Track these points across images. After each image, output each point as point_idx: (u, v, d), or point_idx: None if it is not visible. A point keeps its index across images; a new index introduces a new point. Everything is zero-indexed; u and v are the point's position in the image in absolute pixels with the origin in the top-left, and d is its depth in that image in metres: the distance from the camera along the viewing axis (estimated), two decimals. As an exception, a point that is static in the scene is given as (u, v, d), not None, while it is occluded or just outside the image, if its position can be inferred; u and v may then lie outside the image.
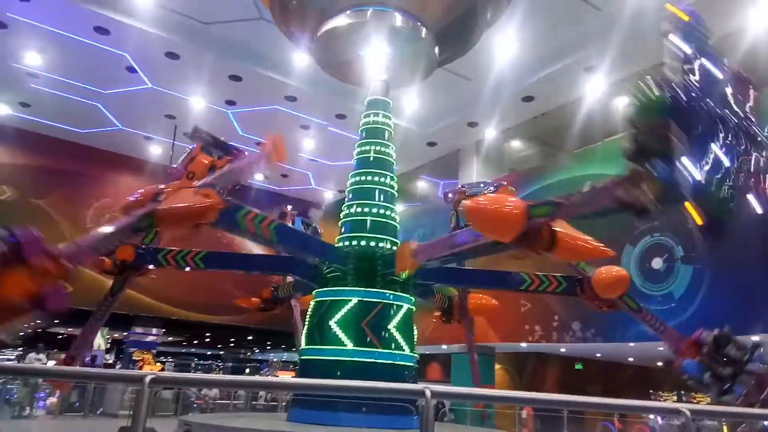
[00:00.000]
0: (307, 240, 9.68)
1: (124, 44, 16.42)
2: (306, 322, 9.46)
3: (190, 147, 9.75)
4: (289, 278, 11.48)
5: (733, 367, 7.31)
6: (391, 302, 8.90)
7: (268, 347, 35.16)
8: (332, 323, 8.82)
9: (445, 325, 11.30)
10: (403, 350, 8.81)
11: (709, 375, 7.61)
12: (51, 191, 22.33)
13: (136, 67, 17.62)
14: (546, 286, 8.70)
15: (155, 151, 23.50)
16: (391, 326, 8.79)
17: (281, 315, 12.45)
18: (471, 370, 11.46)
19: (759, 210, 5.34)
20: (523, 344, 18.19)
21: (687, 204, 4.81)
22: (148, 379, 3.01)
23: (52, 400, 15.35)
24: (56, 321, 27.30)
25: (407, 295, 9.20)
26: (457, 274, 10.18)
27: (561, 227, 6.12)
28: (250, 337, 32.25)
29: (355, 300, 8.86)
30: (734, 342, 7.58)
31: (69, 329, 30.03)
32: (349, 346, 8.60)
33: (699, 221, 4.82)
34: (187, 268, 9.30)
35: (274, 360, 36.23)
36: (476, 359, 11.72)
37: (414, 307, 9.40)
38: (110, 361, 27.04)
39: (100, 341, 25.11)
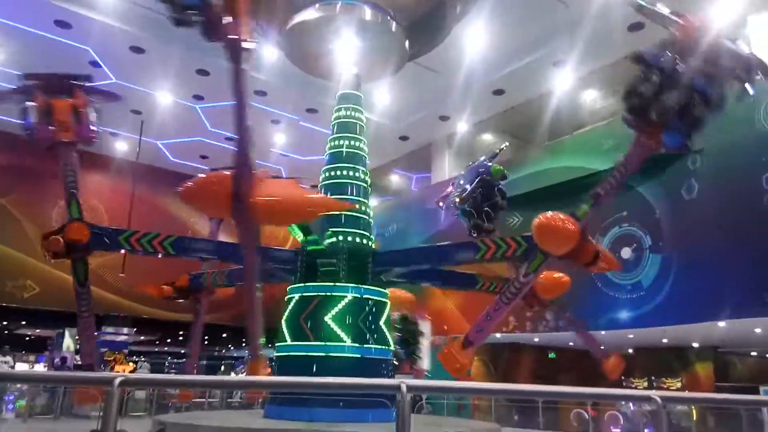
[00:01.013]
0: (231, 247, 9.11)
1: (87, 38, 15.99)
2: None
3: None
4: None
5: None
6: (328, 294, 8.89)
7: (243, 344, 34.86)
8: (283, 321, 8.98)
9: (531, 308, 10.56)
10: (345, 342, 8.66)
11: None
12: (12, 189, 21.72)
13: (99, 62, 17.19)
14: (504, 250, 7.94)
15: (121, 147, 23.01)
16: (328, 318, 8.72)
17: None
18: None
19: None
20: (498, 335, 18.39)
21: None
22: (117, 381, 2.95)
23: (21, 402, 14.98)
24: (23, 323, 26.64)
25: (353, 285, 9.08)
26: (408, 255, 10.30)
27: (280, 190, 6.30)
28: (224, 335, 31.92)
29: (296, 296, 8.99)
30: None
31: (36, 331, 29.31)
32: (288, 341, 8.76)
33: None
34: (159, 255, 8.67)
35: (249, 357, 35.96)
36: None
37: (379, 297, 9.31)
38: (80, 363, 26.47)
39: (69, 342, 24.56)
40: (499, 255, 8.02)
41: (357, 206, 8.04)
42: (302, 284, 9.14)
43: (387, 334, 9.33)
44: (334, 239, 9.42)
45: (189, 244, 9.18)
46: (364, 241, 9.75)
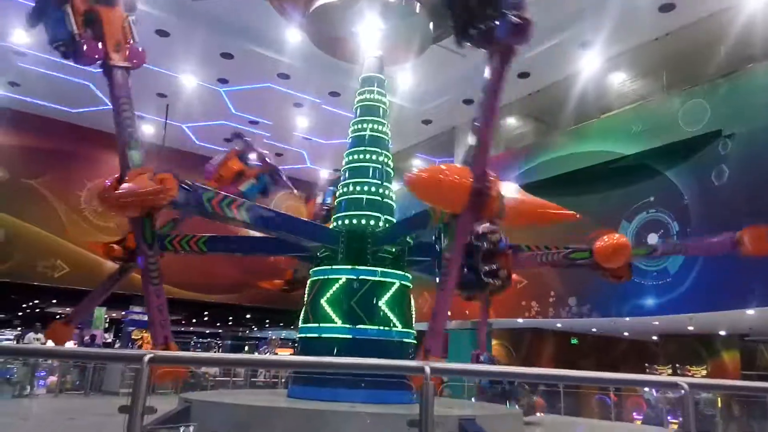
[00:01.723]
0: (287, 221, 9.20)
1: (114, 22, 16.14)
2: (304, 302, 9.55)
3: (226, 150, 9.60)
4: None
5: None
6: (380, 279, 8.97)
7: (267, 325, 35.40)
8: (323, 301, 8.96)
9: (467, 301, 10.57)
10: (396, 326, 8.88)
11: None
12: (44, 171, 22.16)
13: (126, 45, 17.36)
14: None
15: (147, 130, 23.25)
16: (381, 303, 8.85)
17: (282, 294, 12.40)
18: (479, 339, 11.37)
19: None
20: (520, 320, 18.35)
21: None
22: (146, 358, 3.03)
23: (53, 379, 15.44)
24: (54, 301, 27.38)
25: (400, 272, 9.24)
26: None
27: (513, 193, 6.13)
28: (248, 316, 32.43)
29: (343, 278, 8.98)
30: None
31: (67, 309, 30.10)
32: (339, 323, 8.74)
33: None
34: (191, 252, 9.10)
35: (273, 337, 36.47)
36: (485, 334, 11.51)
37: (410, 284, 9.47)
38: (109, 341, 27.14)
39: (98, 321, 25.20)
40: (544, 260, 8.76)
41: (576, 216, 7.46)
42: (348, 266, 9.12)
43: (413, 317, 9.42)
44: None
45: (219, 242, 9.20)
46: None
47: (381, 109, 10.59)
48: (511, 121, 22.31)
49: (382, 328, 8.73)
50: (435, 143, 23.45)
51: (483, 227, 8.16)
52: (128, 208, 6.47)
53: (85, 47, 6.21)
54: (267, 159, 10.25)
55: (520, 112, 21.57)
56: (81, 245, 21.63)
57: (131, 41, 6.56)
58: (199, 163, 25.40)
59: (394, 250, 9.37)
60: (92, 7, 6.17)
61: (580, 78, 17.81)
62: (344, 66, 13.98)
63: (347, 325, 8.70)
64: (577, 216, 7.05)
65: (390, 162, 10.39)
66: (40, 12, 6.37)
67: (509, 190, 6.26)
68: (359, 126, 10.47)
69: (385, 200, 9.95)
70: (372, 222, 9.59)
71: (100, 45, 6.25)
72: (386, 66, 11.19)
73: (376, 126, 10.41)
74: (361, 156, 10.18)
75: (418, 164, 26.29)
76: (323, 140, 23.55)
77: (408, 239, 9.44)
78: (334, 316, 8.85)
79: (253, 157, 10.32)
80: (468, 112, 21.09)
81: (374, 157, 10.16)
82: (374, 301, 8.86)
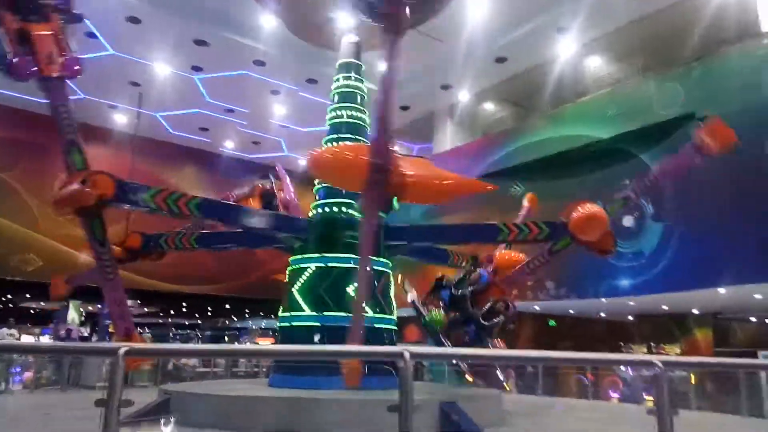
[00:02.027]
0: (243, 212, 9.11)
1: (82, 8, 15.67)
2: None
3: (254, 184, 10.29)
4: None
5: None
6: (349, 266, 8.93)
7: (246, 315, 35.23)
8: (294, 290, 8.96)
9: None
10: (366, 312, 8.81)
11: None
12: (15, 164, 21.64)
13: (96, 33, 16.94)
14: (526, 234, 8.14)
15: (120, 119, 22.86)
16: (350, 290, 8.80)
17: (260, 283, 12.47)
18: None
19: None
20: (499, 304, 18.51)
21: None
22: (122, 351, 2.98)
23: (28, 374, 15.17)
24: (27, 296, 26.86)
25: (379, 259, 9.21)
26: (427, 232, 10.13)
27: (419, 169, 6.06)
28: (227, 306, 32.22)
29: (312, 267, 8.98)
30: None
31: (41, 304, 29.58)
32: (306, 311, 8.74)
33: None
34: (185, 217, 8.95)
35: (253, 327, 36.34)
36: None
37: (387, 270, 9.44)
38: (86, 335, 26.78)
39: (74, 315, 24.82)
40: (521, 239, 8.25)
41: (498, 187, 7.69)
42: (318, 254, 9.09)
43: (393, 304, 9.44)
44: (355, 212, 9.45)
45: (218, 208, 8.83)
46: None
47: (359, 96, 10.51)
48: (489, 107, 22.37)
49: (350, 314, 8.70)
50: (413, 129, 23.40)
51: (453, 276, 8.31)
52: (63, 208, 6.76)
53: (17, 64, 6.36)
54: (288, 205, 10.33)
55: (497, 97, 21.63)
56: (55, 238, 21.23)
57: (66, 52, 6.69)
58: (173, 152, 25.22)
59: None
60: (22, 25, 6.33)
61: (557, 62, 17.90)
62: (321, 52, 13.88)
63: (316, 313, 8.73)
64: (489, 187, 7.24)
65: (368, 149, 10.34)
66: None
67: (418, 166, 6.25)
68: (337, 113, 10.38)
69: (366, 187, 9.91)
70: (351, 210, 9.56)
71: (31, 60, 6.42)
72: (363, 51, 11.10)
73: (354, 113, 10.33)
74: (340, 143, 10.11)
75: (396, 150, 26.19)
76: (301, 128, 23.36)
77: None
78: (303, 304, 8.89)
79: (276, 201, 10.44)
80: (446, 98, 21.14)
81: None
82: (343, 288, 8.84)
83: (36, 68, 6.45)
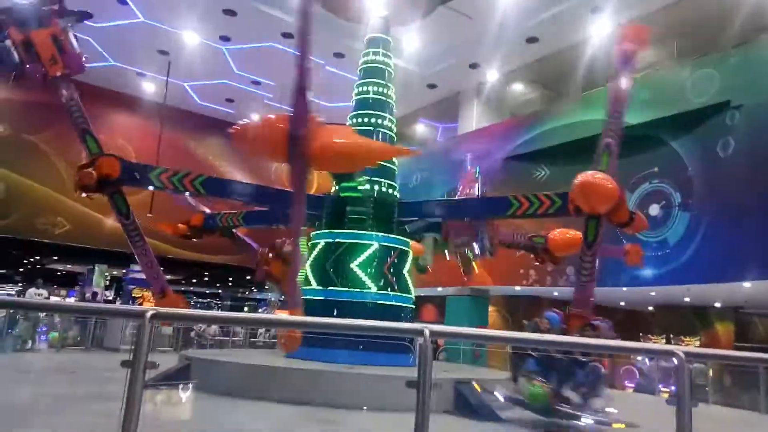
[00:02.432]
0: (250, 189, 9.57)
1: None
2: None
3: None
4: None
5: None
6: (354, 242, 9.03)
7: (266, 287, 35.64)
8: (307, 265, 9.16)
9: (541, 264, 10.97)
10: (369, 289, 8.98)
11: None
12: (45, 128, 21.96)
13: (127, 0, 17.00)
14: (537, 207, 7.78)
15: (148, 88, 23.01)
16: (354, 265, 8.93)
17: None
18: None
19: None
20: (517, 287, 18.46)
21: None
22: (149, 314, 3.04)
23: (54, 334, 15.64)
24: (55, 258, 27.55)
25: (383, 234, 9.20)
26: (436, 207, 9.96)
27: (338, 136, 6.10)
28: (248, 277, 32.62)
29: (322, 242, 9.09)
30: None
31: (67, 266, 30.31)
32: (314, 285, 8.98)
33: None
34: (187, 194, 9.22)
35: (272, 299, 36.84)
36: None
37: (401, 246, 9.42)
38: (110, 298, 27.44)
39: (99, 279, 25.40)
40: (531, 212, 7.91)
41: (420, 152, 7.62)
42: (327, 230, 9.21)
43: (409, 282, 9.45)
44: (367, 187, 9.46)
45: (221, 185, 9.24)
46: (390, 191, 9.75)
47: (386, 72, 10.43)
48: (518, 87, 22.00)
49: (354, 290, 8.81)
50: (439, 108, 23.18)
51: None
52: (79, 188, 7.48)
53: (28, 70, 7.24)
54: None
55: (526, 78, 21.24)
56: (82, 203, 21.63)
57: (68, 51, 7.40)
58: (200, 122, 25.38)
59: (364, 211, 9.32)
60: (26, 35, 6.97)
61: (590, 44, 17.47)
62: (349, 27, 13.74)
63: (321, 287, 8.89)
64: (406, 150, 7.19)
65: (394, 126, 10.29)
66: None
67: (339, 133, 6.20)
68: (363, 89, 10.33)
69: (389, 165, 9.89)
70: (376, 187, 9.56)
71: (38, 64, 7.21)
72: (392, 27, 10.97)
73: (380, 89, 10.27)
74: (365, 120, 10.08)
75: (421, 129, 26.03)
76: (327, 103, 23.28)
77: (354, 194, 9.45)
78: (312, 279, 9.05)
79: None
80: (474, 77, 20.83)
81: (378, 120, 10.06)
82: (347, 264, 8.93)
83: (44, 71, 7.21)
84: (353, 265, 8.88)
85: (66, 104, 7.53)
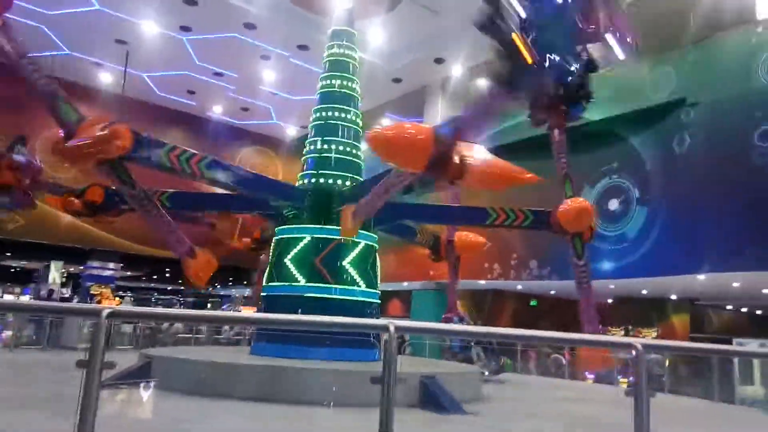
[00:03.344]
0: (255, 178, 9.16)
1: (69, -39, 15.23)
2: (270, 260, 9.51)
3: None
4: None
5: None
6: (349, 239, 8.94)
7: (230, 283, 35.20)
8: (287, 260, 8.92)
9: (435, 262, 11.35)
10: (360, 286, 8.93)
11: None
12: (-6, 117, 21.09)
13: (83, -13, 16.45)
14: (512, 220, 8.50)
15: (105, 78, 22.33)
16: (346, 263, 8.88)
17: (246, 252, 12.40)
18: (448, 301, 11.48)
19: (621, 56, 6.03)
20: (482, 281, 18.68)
21: (515, 37, 5.04)
22: (105, 312, 2.94)
23: (8, 333, 15.09)
24: (8, 254, 26.56)
25: (366, 232, 9.21)
26: (417, 210, 10.11)
27: (476, 154, 6.10)
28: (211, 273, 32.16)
29: (308, 237, 8.93)
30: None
31: (22, 263, 29.27)
32: (302, 282, 8.73)
33: (528, 58, 4.96)
34: (196, 178, 8.73)
35: (236, 295, 36.39)
36: (455, 296, 11.71)
37: (376, 245, 9.47)
38: (67, 296, 26.63)
39: (55, 275, 24.61)
40: (507, 223, 8.55)
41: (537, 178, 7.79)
42: (313, 225, 9.04)
43: (377, 277, 9.46)
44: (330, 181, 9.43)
45: (228, 170, 8.41)
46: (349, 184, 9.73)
47: (351, 65, 10.36)
48: (482, 82, 22.17)
49: (346, 287, 8.75)
50: (405, 102, 23.19)
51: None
52: (81, 160, 6.52)
53: None
54: None
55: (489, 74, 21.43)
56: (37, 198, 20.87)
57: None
58: (160, 114, 24.78)
59: None
60: None
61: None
62: (314, 18, 13.59)
63: (310, 284, 8.70)
64: (538, 179, 7.25)
65: (359, 120, 10.23)
66: None
67: (476, 152, 6.23)
68: (328, 82, 10.23)
69: (354, 159, 9.84)
70: (340, 181, 9.50)
71: None
72: (357, 20, 10.90)
73: (345, 82, 10.19)
74: (330, 113, 9.98)
75: (387, 123, 26.01)
76: (291, 95, 23.04)
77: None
78: (297, 274, 8.84)
79: None
80: (439, 71, 20.90)
81: (343, 114, 9.99)
82: (339, 261, 8.85)
83: None
84: (344, 262, 8.87)
85: (14, 57, 6.03)
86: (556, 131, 8.14)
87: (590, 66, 6.53)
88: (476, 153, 6.23)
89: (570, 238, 8.00)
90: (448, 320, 10.57)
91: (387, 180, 6.73)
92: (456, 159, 5.72)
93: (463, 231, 10.87)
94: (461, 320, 10.65)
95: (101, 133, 6.30)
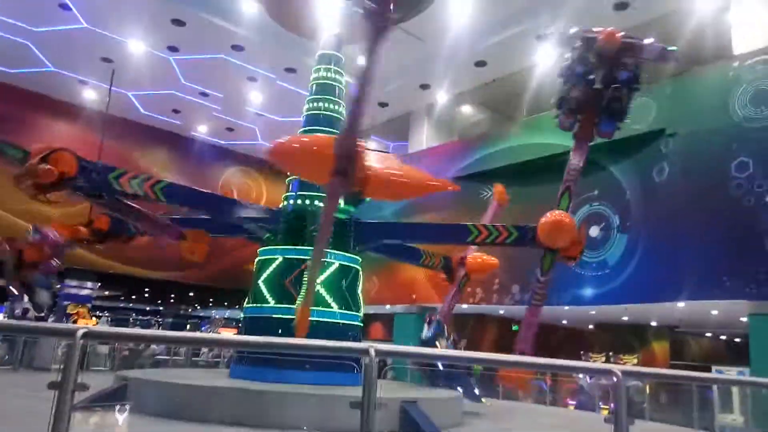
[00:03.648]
0: (215, 199, 9.26)
1: (57, -21, 15.26)
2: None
3: None
4: None
5: None
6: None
7: (210, 304, 34.75)
8: (260, 282, 8.88)
9: (450, 283, 10.96)
10: (332, 308, 8.78)
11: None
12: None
13: (69, 5, 16.43)
14: (495, 237, 8.34)
15: (90, 96, 22.23)
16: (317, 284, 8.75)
17: (226, 273, 12.29)
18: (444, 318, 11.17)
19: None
20: (464, 306, 18.64)
21: None
22: (80, 333, 2.88)
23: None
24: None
25: (342, 253, 9.14)
26: (398, 229, 10.15)
27: (384, 164, 6.02)
28: (191, 294, 31.71)
29: (280, 258, 8.90)
30: None
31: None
32: (272, 303, 8.66)
33: None
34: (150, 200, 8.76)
35: (216, 317, 35.90)
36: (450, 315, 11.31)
37: (356, 266, 9.41)
38: (42, 315, 26.02)
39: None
40: (489, 240, 8.39)
41: (459, 187, 7.91)
42: (285, 246, 9.01)
43: (360, 300, 9.40)
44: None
45: (182, 193, 8.54)
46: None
47: (337, 88, 10.45)
48: (466, 110, 22.48)
49: (317, 308, 8.63)
50: (390, 127, 23.38)
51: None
52: (28, 190, 6.62)
53: None
54: None
55: (475, 101, 21.74)
56: (11, 211, 20.50)
57: None
58: (144, 133, 24.67)
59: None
60: None
61: (535, 70, 18.07)
62: (301, 42, 13.72)
63: (280, 305, 8.63)
64: (450, 187, 7.34)
65: (344, 143, 10.27)
66: None
67: (384, 161, 6.20)
68: (314, 104, 10.30)
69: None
70: (323, 203, 9.48)
71: None
72: (345, 44, 11.02)
73: (331, 105, 10.26)
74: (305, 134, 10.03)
75: (372, 147, 26.10)
76: (277, 117, 23.10)
77: (339, 215, 9.27)
78: (268, 296, 8.79)
79: None
80: (425, 97, 21.16)
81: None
82: (337, 286, 8.78)
83: None
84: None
85: None
86: (578, 142, 7.95)
87: (633, 81, 6.83)
88: (384, 162, 6.18)
89: (544, 253, 7.83)
90: (428, 318, 10.35)
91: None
92: (359, 168, 5.64)
93: (476, 252, 10.56)
94: (439, 325, 10.15)
95: (39, 161, 6.42)
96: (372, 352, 3.16)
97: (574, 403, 16.72)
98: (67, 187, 6.73)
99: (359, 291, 9.47)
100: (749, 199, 12.22)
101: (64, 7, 16.43)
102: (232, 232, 10.57)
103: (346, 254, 9.21)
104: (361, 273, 9.57)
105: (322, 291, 8.77)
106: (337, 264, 9.01)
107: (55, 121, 22.38)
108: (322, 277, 8.79)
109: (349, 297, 9.08)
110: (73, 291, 22.86)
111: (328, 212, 6.07)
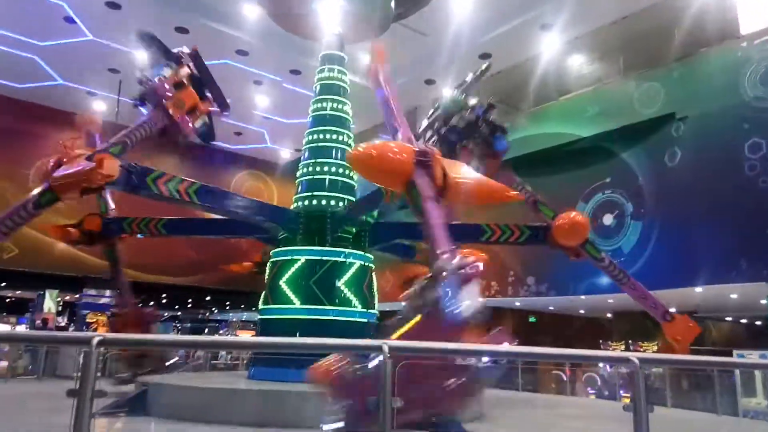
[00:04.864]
0: (247, 202, 9.19)
1: (61, -8, 15.40)
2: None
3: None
4: None
5: None
6: (341, 260, 8.93)
7: (227, 307, 34.99)
8: (282, 283, 8.89)
9: None
10: (356, 307, 8.87)
11: None
12: (-12, 150, 21.13)
13: (74, 18, 16.58)
14: (508, 236, 8.62)
15: (99, 107, 22.40)
16: (341, 283, 8.84)
17: (243, 276, 12.37)
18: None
19: None
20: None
21: None
22: (95, 341, 2.91)
23: (3, 363, 14.95)
24: (2, 284, 26.35)
25: (361, 253, 9.21)
26: (411, 229, 10.09)
27: (459, 172, 6.03)
28: (207, 298, 31.94)
29: (302, 259, 8.92)
30: None
31: (17, 292, 29.03)
32: (298, 304, 8.69)
33: None
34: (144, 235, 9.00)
35: (234, 320, 36.13)
36: None
37: (371, 265, 9.46)
38: (62, 324, 26.35)
39: (50, 304, 24.40)
40: (503, 239, 8.75)
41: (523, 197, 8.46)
42: (308, 247, 9.04)
43: (374, 297, 9.43)
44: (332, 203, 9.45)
45: (216, 196, 8.60)
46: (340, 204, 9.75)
47: (341, 88, 10.47)
48: (472, 103, 22.35)
49: (342, 308, 8.71)
50: (397, 123, 23.30)
51: None
52: (66, 189, 6.55)
53: None
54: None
55: (481, 93, 21.62)
56: (30, 226, 20.78)
57: None
58: (156, 142, 24.81)
59: (354, 230, 9.33)
60: None
61: (540, 60, 17.95)
62: (305, 43, 13.74)
63: (306, 306, 8.66)
64: (513, 195, 7.32)
65: (352, 142, 10.30)
66: None
67: (457, 169, 6.21)
68: (320, 105, 10.33)
69: (347, 180, 9.88)
70: (333, 203, 9.52)
71: None
72: (347, 44, 11.04)
73: (337, 105, 10.29)
74: (323, 136, 10.06)
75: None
76: (284, 119, 23.17)
77: (368, 218, 9.37)
78: (293, 297, 8.80)
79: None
80: (430, 93, 21.06)
81: (336, 136, 10.06)
82: (334, 282, 8.82)
83: None
84: (339, 284, 8.84)
85: None
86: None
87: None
88: (460, 170, 6.21)
89: (577, 251, 8.30)
90: None
91: None
92: (439, 176, 5.66)
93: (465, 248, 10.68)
94: None
95: (85, 162, 6.40)
96: (385, 349, 3.17)
97: (594, 392, 16.63)
98: (105, 188, 6.93)
99: (375, 289, 9.50)
100: (764, 180, 12.06)
101: (69, 20, 16.59)
102: (245, 233, 10.63)
103: (364, 254, 9.27)
104: (372, 270, 9.61)
105: (346, 291, 8.83)
106: (358, 264, 9.05)
107: (64, 133, 22.54)
108: (345, 278, 8.86)
109: (364, 295, 9.13)
110: (91, 300, 23.12)
111: (428, 214, 5.73)
